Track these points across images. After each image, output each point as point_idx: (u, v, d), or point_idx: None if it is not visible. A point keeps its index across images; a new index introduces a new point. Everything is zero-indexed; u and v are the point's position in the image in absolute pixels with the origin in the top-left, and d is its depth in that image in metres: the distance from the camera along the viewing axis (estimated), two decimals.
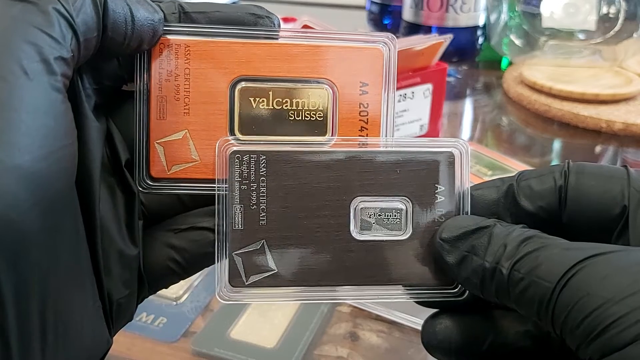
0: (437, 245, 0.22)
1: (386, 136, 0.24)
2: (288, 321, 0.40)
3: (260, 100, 0.24)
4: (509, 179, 0.23)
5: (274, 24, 0.24)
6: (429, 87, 0.57)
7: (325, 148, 0.23)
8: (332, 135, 0.24)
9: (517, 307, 0.20)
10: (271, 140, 0.23)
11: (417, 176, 0.23)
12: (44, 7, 0.19)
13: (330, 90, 0.24)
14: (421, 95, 0.57)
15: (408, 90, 0.56)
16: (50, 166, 0.18)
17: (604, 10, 0.78)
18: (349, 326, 0.40)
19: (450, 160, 0.23)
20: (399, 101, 0.56)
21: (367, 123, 0.24)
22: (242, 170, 0.22)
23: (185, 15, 0.24)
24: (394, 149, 0.23)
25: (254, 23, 0.24)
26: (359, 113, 0.25)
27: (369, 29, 0.97)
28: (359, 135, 0.24)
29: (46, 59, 0.18)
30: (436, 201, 0.23)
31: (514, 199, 0.22)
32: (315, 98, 0.24)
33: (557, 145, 0.68)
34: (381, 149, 0.23)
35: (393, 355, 0.38)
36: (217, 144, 0.23)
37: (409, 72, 0.56)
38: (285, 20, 0.71)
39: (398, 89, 0.55)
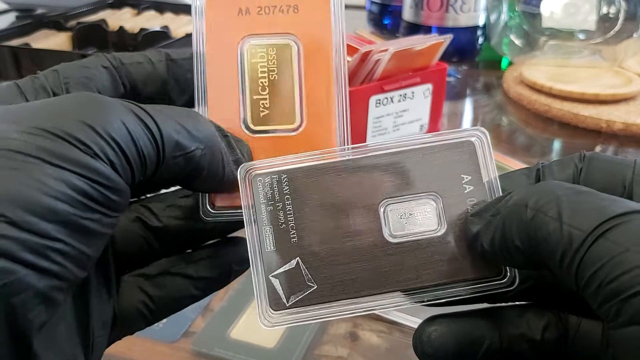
0: (467, 221, 0.22)
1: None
2: None
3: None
4: (534, 167, 0.22)
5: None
6: (429, 87, 0.57)
7: (344, 158, 0.23)
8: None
9: (537, 254, 0.19)
10: (289, 158, 0.23)
11: (440, 170, 0.23)
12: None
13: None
14: (421, 95, 0.57)
15: (408, 90, 0.56)
16: (100, 228, 0.19)
17: (604, 10, 0.77)
18: (349, 326, 0.40)
19: (471, 149, 0.23)
20: (399, 101, 0.56)
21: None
22: (266, 192, 0.22)
23: (172, 62, 0.25)
24: (411, 147, 0.23)
25: None
26: None
27: (369, 29, 0.97)
28: None
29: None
30: (465, 191, 0.22)
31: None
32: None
33: (557, 145, 0.68)
34: (399, 149, 0.23)
35: (393, 355, 0.38)
36: (239, 171, 0.23)
37: (409, 72, 0.56)
38: None
39: (398, 89, 0.55)
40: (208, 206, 0.25)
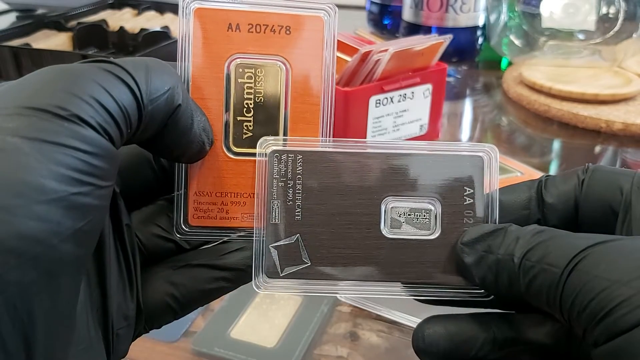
0: (458, 249, 0.23)
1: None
2: (288, 321, 0.40)
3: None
4: (537, 179, 0.24)
5: None
6: (428, 87, 0.57)
7: (359, 150, 0.24)
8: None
9: (528, 297, 0.20)
10: (308, 140, 0.24)
11: (446, 179, 0.24)
12: None
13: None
14: (421, 95, 0.57)
15: (408, 90, 0.56)
16: (92, 201, 0.18)
17: (604, 10, 0.78)
18: (349, 326, 0.40)
19: (480, 164, 0.24)
20: (399, 101, 0.56)
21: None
22: (280, 169, 0.23)
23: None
24: (425, 152, 0.24)
25: None
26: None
27: (369, 29, 0.97)
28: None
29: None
30: (465, 203, 0.24)
31: (541, 197, 0.23)
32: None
33: (556, 145, 0.68)
34: (412, 151, 0.24)
35: (393, 355, 0.38)
36: (258, 143, 0.24)
37: (409, 72, 0.56)
38: None
39: (398, 89, 0.55)
40: (182, 224, 0.25)
